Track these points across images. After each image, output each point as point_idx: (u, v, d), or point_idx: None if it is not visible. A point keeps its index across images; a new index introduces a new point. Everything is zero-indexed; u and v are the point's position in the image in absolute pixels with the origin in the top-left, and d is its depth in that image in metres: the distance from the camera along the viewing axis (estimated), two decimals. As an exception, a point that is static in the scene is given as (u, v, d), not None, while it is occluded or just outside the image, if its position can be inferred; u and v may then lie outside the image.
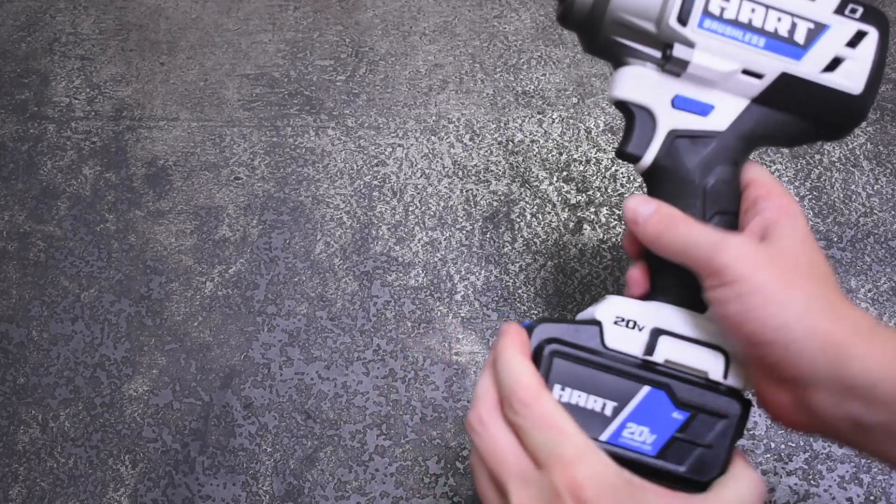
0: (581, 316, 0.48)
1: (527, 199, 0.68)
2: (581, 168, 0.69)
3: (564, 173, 0.69)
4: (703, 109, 0.45)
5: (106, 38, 0.77)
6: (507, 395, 0.41)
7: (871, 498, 0.58)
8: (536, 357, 0.44)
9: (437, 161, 0.70)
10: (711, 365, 0.44)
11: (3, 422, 0.63)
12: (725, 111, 0.45)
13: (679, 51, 0.43)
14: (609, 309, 0.45)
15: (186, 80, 0.74)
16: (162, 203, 0.69)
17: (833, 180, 0.67)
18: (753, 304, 0.39)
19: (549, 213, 0.67)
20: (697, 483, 0.44)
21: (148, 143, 0.72)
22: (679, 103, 0.45)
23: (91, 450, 0.62)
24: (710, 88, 0.44)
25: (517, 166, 0.69)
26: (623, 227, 0.66)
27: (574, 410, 0.43)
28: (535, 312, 0.64)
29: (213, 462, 0.61)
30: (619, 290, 0.64)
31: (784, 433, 0.60)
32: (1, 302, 0.66)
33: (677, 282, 0.45)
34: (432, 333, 0.64)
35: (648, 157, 0.45)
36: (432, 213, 0.68)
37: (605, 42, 0.45)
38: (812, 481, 0.59)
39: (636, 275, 0.47)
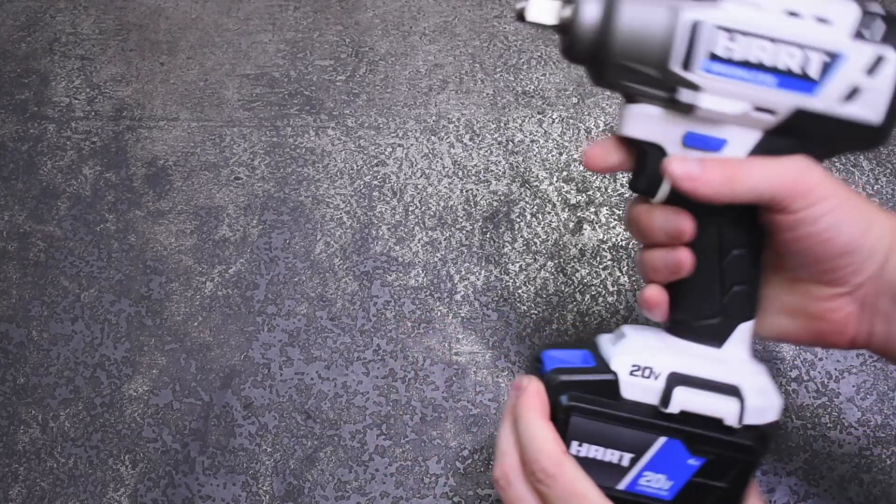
0: (601, 343, 0.47)
1: (527, 199, 0.68)
2: (581, 168, 0.69)
3: (564, 173, 0.69)
4: (716, 145, 0.43)
5: (106, 38, 0.77)
6: (531, 463, 0.43)
7: (871, 498, 0.58)
8: (554, 411, 0.45)
9: (437, 161, 0.70)
10: (727, 411, 0.43)
11: (3, 422, 0.63)
12: (739, 145, 0.43)
13: (685, 95, 0.41)
14: (625, 358, 0.45)
15: (186, 80, 0.74)
16: (162, 203, 0.69)
17: (833, 180, 0.67)
18: (846, 213, 0.41)
19: (549, 213, 0.67)
20: None
21: (148, 143, 0.72)
22: (690, 141, 0.43)
23: (91, 450, 0.62)
24: (723, 124, 0.42)
25: (517, 166, 0.69)
26: (624, 226, 0.66)
27: (591, 463, 0.44)
28: (535, 312, 0.64)
29: (213, 462, 0.61)
30: (620, 291, 0.64)
31: (784, 433, 0.60)
32: (1, 302, 0.66)
33: (698, 306, 0.45)
34: (432, 333, 0.64)
35: (661, 194, 0.44)
36: (432, 213, 0.68)
37: (611, 83, 0.43)
38: (812, 481, 0.59)
39: (657, 295, 0.46)
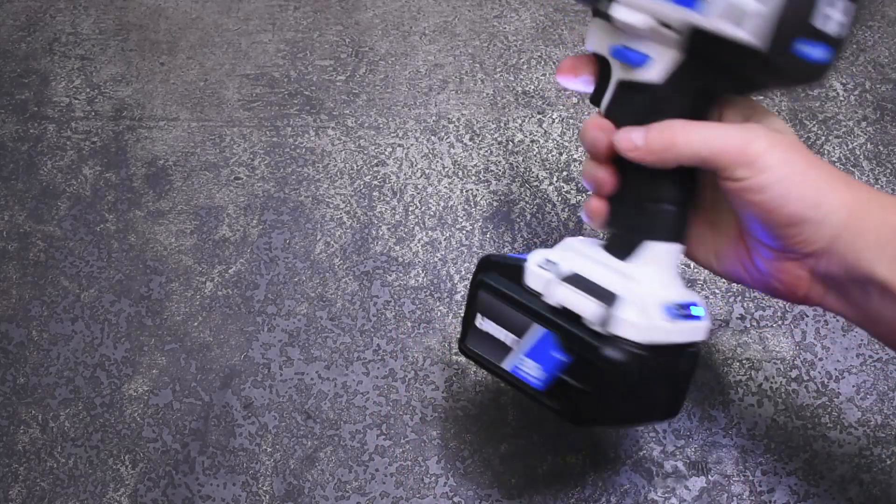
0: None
1: (527, 199, 0.68)
2: (581, 168, 0.69)
3: (564, 173, 0.69)
4: (640, 60, 0.45)
5: (106, 38, 0.77)
6: None
7: (871, 498, 0.58)
8: (473, 286, 0.49)
9: (437, 161, 0.70)
10: (590, 311, 0.45)
11: (3, 422, 0.63)
12: (661, 63, 0.45)
13: (601, 4, 0.45)
14: (542, 253, 0.48)
15: (186, 80, 0.74)
16: (162, 203, 0.69)
17: (833, 180, 0.67)
18: (793, 184, 0.41)
19: (549, 213, 0.67)
20: (571, 421, 0.46)
21: (148, 143, 0.72)
22: (617, 54, 0.46)
23: (91, 450, 0.62)
24: (642, 39, 0.45)
25: (517, 166, 0.69)
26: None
27: (488, 338, 0.48)
28: (535, 312, 0.64)
29: (213, 462, 0.61)
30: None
31: (784, 433, 0.60)
32: (1, 302, 0.66)
33: (614, 216, 0.48)
34: (432, 333, 0.64)
35: (603, 105, 0.47)
36: (432, 213, 0.68)
37: None
38: (812, 481, 0.59)
39: (597, 206, 0.48)
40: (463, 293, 0.65)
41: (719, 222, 0.49)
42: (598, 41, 0.47)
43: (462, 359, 0.63)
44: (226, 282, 0.66)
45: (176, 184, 0.70)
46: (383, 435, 0.61)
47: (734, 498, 0.58)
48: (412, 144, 0.71)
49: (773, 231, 0.43)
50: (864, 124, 0.70)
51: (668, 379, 0.47)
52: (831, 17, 0.42)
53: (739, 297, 0.64)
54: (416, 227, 0.67)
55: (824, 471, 0.59)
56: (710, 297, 0.64)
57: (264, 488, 0.60)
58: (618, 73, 0.46)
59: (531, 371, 0.46)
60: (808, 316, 0.63)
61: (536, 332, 0.46)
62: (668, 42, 0.44)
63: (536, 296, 0.47)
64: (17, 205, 0.70)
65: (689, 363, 0.47)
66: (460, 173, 0.69)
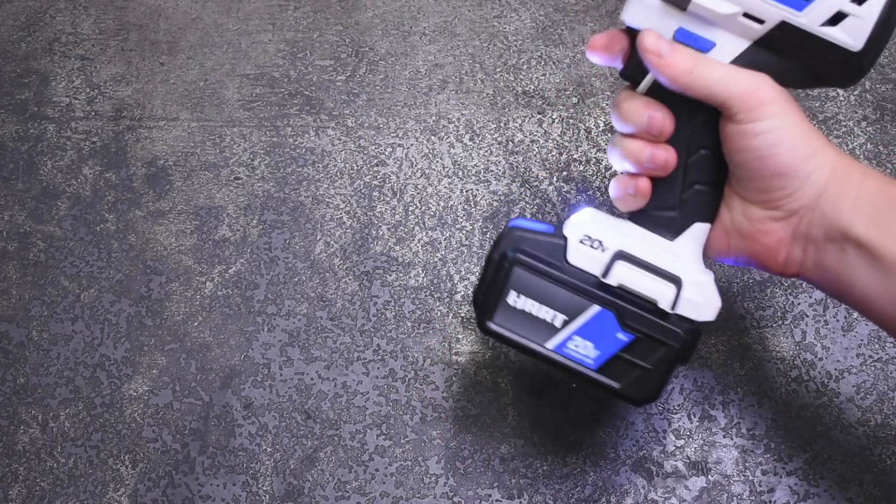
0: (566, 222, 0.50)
1: (527, 199, 0.68)
2: (581, 168, 0.69)
3: (564, 173, 0.69)
4: (704, 46, 0.45)
5: (106, 38, 0.77)
6: None
7: (871, 498, 0.58)
8: (500, 262, 0.47)
9: (437, 161, 0.70)
10: (662, 294, 0.46)
11: (3, 422, 0.63)
12: (725, 49, 0.45)
13: None
14: (579, 227, 0.47)
15: (186, 80, 0.74)
16: (162, 203, 0.69)
17: (833, 180, 0.67)
18: (789, 135, 0.43)
19: (549, 213, 0.67)
20: (632, 400, 0.47)
21: (148, 143, 0.72)
22: (680, 36, 0.45)
23: (91, 450, 0.62)
24: (713, 26, 0.44)
25: (517, 166, 0.69)
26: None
27: (525, 316, 0.46)
28: (535, 312, 0.64)
29: (213, 462, 0.61)
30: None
31: (784, 433, 0.60)
32: (1, 302, 0.66)
33: (660, 197, 0.47)
34: (432, 333, 0.64)
35: (644, 84, 0.47)
36: (432, 213, 0.68)
37: None
38: (812, 481, 0.59)
39: (647, 185, 0.47)
40: (463, 293, 0.65)
41: None
42: (651, 19, 0.45)
43: (462, 359, 0.63)
44: (226, 282, 0.66)
45: (176, 184, 0.70)
46: (383, 435, 0.61)
47: (734, 498, 0.58)
48: (412, 144, 0.71)
49: (762, 181, 0.45)
50: (864, 124, 0.70)
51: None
52: None
53: (739, 297, 0.64)
54: (416, 227, 0.67)
55: (824, 471, 0.59)
56: (710, 297, 0.64)
57: (264, 488, 0.60)
58: None
59: (582, 350, 0.46)
60: (808, 316, 0.63)
61: (592, 311, 0.46)
62: (744, 32, 0.44)
63: (589, 275, 0.47)
64: (17, 205, 0.70)
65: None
66: (460, 173, 0.69)
